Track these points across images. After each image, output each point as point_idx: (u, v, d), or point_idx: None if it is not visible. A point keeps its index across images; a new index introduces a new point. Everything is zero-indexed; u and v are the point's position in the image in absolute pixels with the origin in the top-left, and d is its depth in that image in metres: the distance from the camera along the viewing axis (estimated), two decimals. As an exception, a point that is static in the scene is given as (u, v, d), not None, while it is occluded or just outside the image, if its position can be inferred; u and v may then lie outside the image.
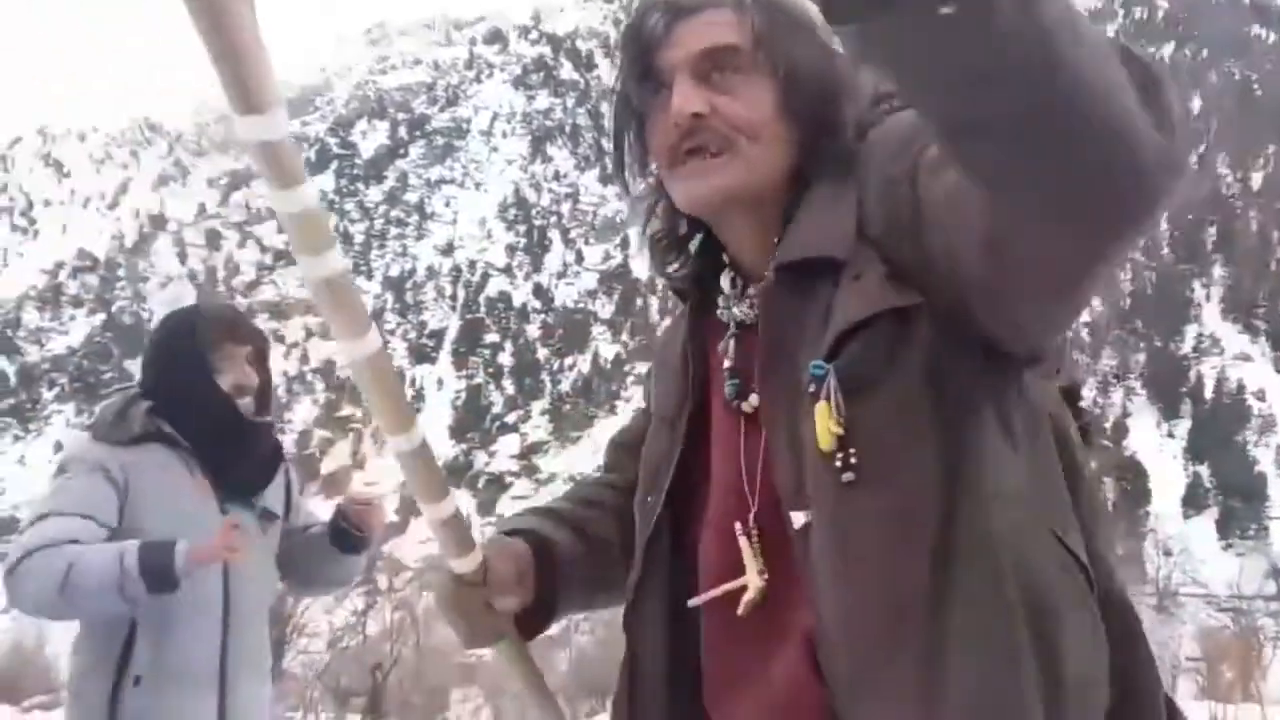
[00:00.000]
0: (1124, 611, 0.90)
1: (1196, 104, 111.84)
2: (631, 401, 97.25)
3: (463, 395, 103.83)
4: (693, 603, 0.95)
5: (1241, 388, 79.76)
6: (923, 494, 0.85)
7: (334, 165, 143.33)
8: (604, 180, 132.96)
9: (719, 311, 1.02)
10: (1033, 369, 0.89)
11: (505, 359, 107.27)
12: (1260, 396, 79.27)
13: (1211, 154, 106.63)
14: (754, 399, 0.96)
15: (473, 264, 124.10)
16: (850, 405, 0.87)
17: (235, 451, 2.16)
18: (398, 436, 0.92)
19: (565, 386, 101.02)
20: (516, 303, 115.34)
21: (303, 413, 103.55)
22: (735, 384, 0.98)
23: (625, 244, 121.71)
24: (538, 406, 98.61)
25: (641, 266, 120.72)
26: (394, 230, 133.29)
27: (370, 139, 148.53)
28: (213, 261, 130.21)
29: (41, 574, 1.95)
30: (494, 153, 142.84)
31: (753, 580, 0.91)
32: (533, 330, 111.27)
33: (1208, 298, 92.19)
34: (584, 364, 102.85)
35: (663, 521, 1.01)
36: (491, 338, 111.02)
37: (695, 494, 1.00)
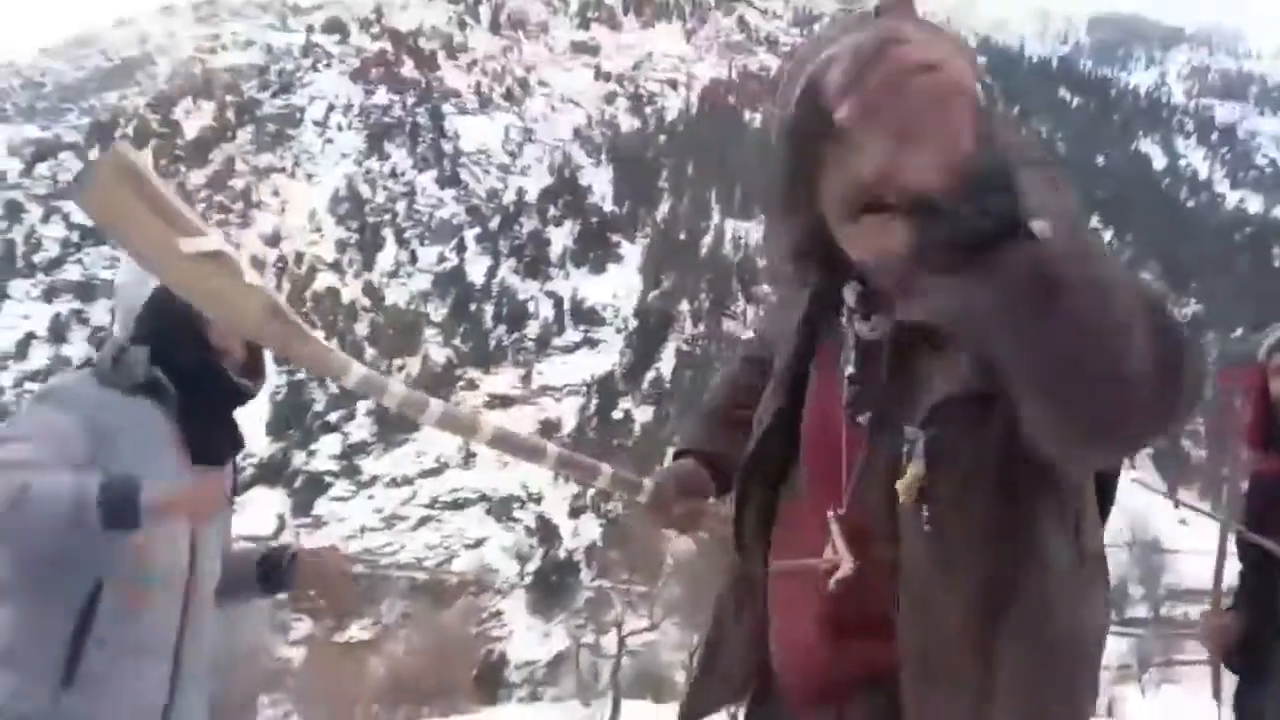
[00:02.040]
0: None
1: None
2: (461, 406, 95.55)
3: (283, 391, 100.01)
4: (779, 567, 1.15)
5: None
6: (983, 553, 1.01)
7: (153, 144, 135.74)
8: (441, 182, 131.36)
9: (842, 319, 1.13)
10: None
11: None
12: None
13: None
14: (867, 417, 1.10)
15: (300, 256, 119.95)
16: (932, 469, 1.01)
17: (214, 411, 2.11)
18: (540, 463, 1.30)
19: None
20: (345, 299, 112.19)
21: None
22: (855, 391, 1.11)
23: (461, 247, 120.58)
24: (363, 406, 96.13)
25: (477, 271, 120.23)
26: (216, 216, 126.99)
27: (194, 119, 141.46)
28: (12, 234, 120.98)
29: None
30: (328, 145, 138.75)
31: (846, 562, 1.07)
32: (361, 329, 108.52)
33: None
34: (414, 366, 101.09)
35: (758, 461, 1.21)
36: (318, 334, 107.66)
37: (782, 456, 1.20)
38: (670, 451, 1.49)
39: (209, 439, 2.09)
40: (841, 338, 1.13)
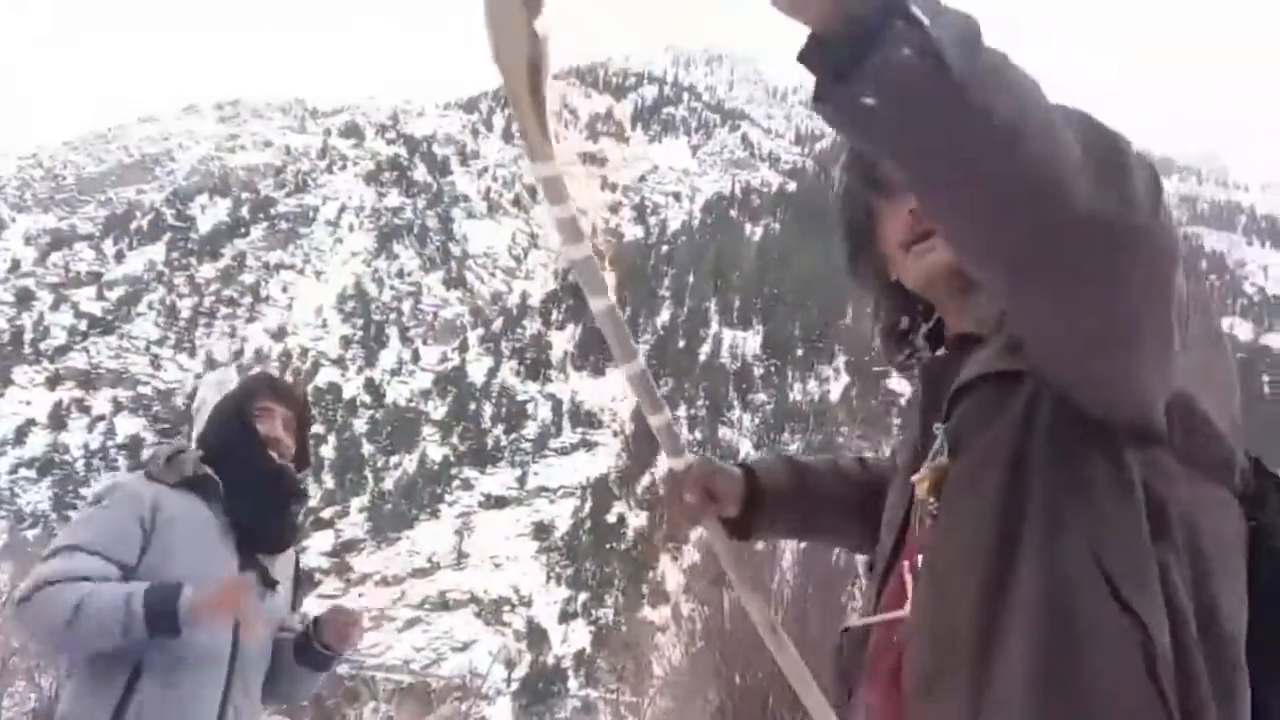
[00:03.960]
0: (1224, 655, 0.92)
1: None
2: (456, 505, 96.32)
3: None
4: (853, 623, 1.14)
5: None
6: (981, 542, 0.97)
7: (166, 237, 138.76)
8: (447, 283, 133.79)
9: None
10: (1142, 441, 0.96)
11: (328, 451, 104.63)
12: None
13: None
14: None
15: (304, 351, 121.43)
16: (952, 460, 1.02)
17: (263, 502, 2.26)
18: (624, 368, 1.24)
19: (388, 485, 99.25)
20: (346, 395, 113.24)
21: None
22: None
23: (464, 347, 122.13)
24: (357, 503, 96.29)
25: (478, 371, 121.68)
26: (224, 310, 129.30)
27: (209, 214, 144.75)
28: (21, 321, 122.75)
29: (51, 606, 2.00)
30: (338, 244, 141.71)
31: (908, 610, 1.05)
32: (360, 425, 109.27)
33: None
34: (410, 463, 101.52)
35: (893, 561, 1.14)
36: (316, 429, 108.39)
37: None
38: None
39: (256, 527, 2.26)
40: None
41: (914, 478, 1.02)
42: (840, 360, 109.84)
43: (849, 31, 0.75)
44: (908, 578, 1.06)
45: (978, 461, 0.99)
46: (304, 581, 2.54)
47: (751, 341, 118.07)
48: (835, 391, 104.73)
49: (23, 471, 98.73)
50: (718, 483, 1.37)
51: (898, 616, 1.02)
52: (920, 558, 1.03)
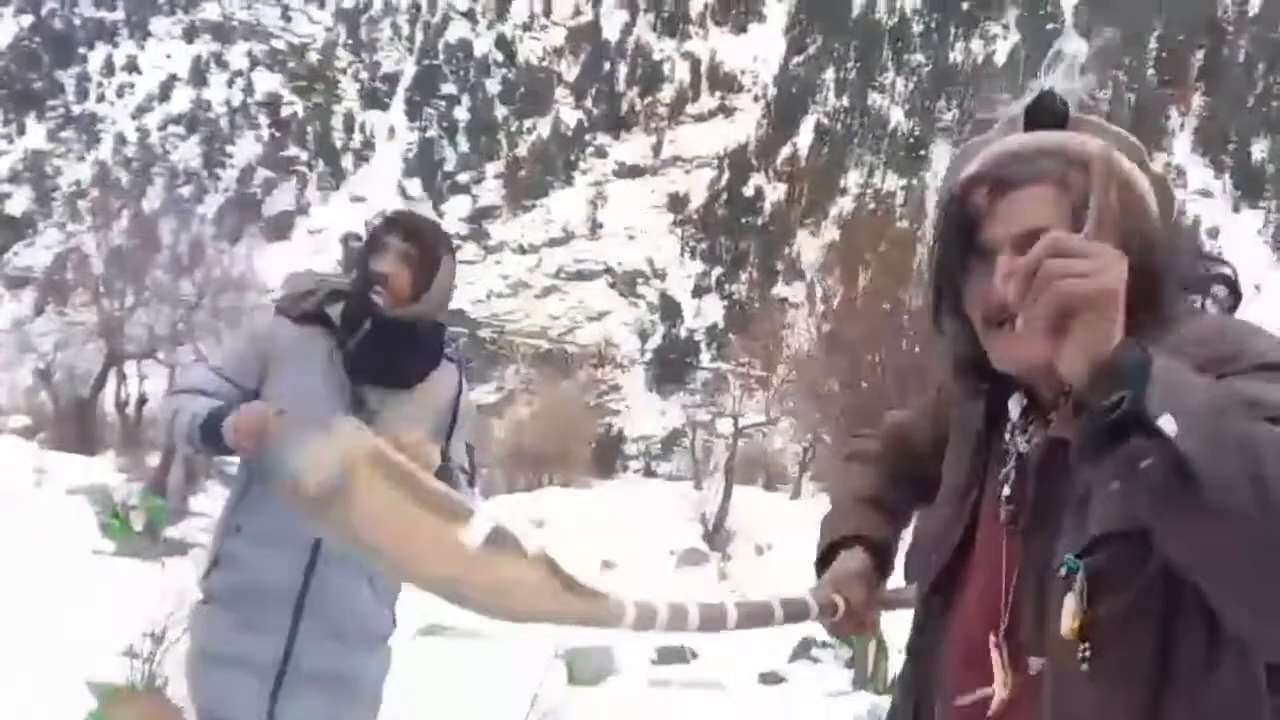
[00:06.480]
0: None
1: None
2: (590, 173, 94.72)
3: (414, 148, 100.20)
4: (960, 701, 1.09)
5: (1197, 224, 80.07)
6: (1139, 691, 0.95)
7: None
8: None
9: (1006, 436, 1.11)
10: None
11: (461, 113, 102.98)
12: (1214, 235, 79.84)
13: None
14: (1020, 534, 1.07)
15: (433, 3, 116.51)
16: (1094, 602, 0.96)
17: (363, 337, 2.35)
18: (721, 629, 1.21)
19: (523, 150, 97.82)
20: (478, 53, 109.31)
21: (246, 149, 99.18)
22: (1010, 510, 1.08)
23: (597, 0, 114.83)
24: (492, 169, 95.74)
25: (612, 27, 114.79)
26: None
27: None
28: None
29: (163, 410, 2.41)
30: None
31: (999, 691, 1.04)
32: (493, 85, 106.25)
33: (1181, 127, 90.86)
34: (544, 128, 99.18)
35: (938, 584, 1.15)
36: (449, 88, 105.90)
37: (956, 572, 1.14)
38: (821, 534, 1.41)
39: (367, 362, 2.34)
40: (1004, 453, 1.11)
41: (1065, 613, 0.97)
42: (1011, 15, 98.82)
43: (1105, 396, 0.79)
44: (994, 655, 1.05)
45: (1129, 606, 0.96)
46: (465, 419, 2.51)
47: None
48: (1001, 53, 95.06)
49: (171, 128, 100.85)
50: (859, 574, 1.34)
51: (988, 695, 1.04)
52: (1042, 666, 1.01)
